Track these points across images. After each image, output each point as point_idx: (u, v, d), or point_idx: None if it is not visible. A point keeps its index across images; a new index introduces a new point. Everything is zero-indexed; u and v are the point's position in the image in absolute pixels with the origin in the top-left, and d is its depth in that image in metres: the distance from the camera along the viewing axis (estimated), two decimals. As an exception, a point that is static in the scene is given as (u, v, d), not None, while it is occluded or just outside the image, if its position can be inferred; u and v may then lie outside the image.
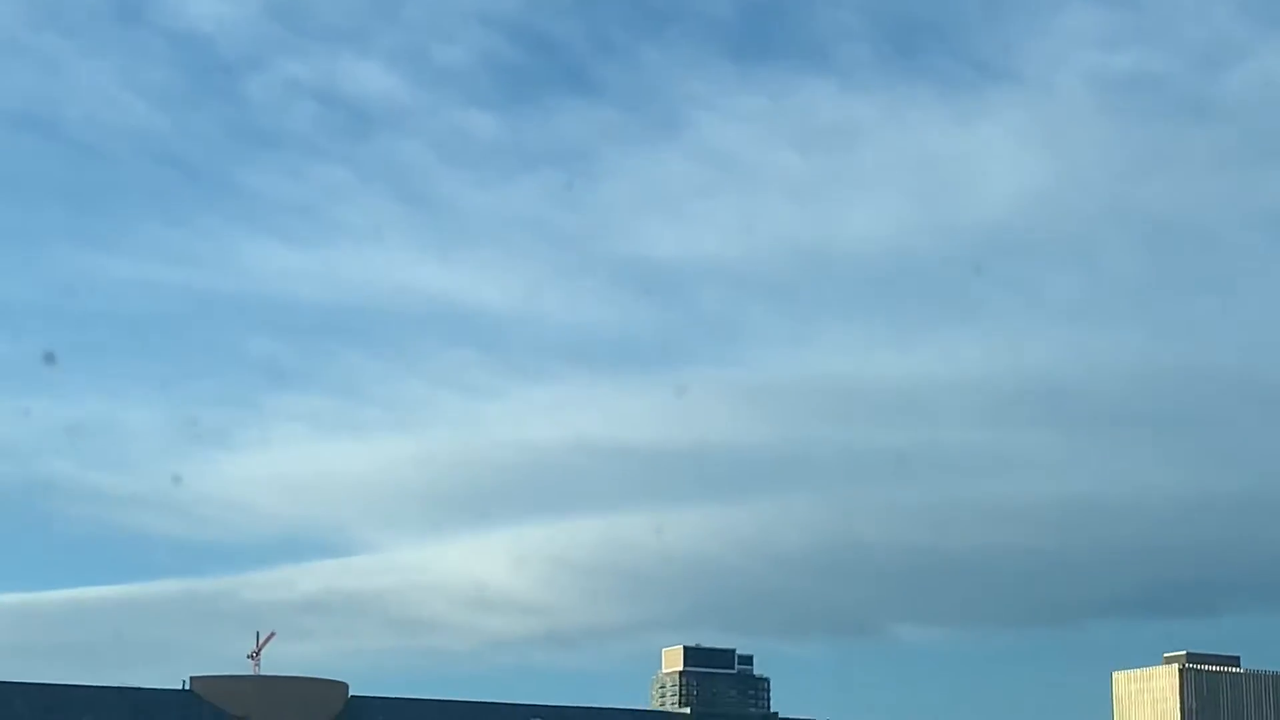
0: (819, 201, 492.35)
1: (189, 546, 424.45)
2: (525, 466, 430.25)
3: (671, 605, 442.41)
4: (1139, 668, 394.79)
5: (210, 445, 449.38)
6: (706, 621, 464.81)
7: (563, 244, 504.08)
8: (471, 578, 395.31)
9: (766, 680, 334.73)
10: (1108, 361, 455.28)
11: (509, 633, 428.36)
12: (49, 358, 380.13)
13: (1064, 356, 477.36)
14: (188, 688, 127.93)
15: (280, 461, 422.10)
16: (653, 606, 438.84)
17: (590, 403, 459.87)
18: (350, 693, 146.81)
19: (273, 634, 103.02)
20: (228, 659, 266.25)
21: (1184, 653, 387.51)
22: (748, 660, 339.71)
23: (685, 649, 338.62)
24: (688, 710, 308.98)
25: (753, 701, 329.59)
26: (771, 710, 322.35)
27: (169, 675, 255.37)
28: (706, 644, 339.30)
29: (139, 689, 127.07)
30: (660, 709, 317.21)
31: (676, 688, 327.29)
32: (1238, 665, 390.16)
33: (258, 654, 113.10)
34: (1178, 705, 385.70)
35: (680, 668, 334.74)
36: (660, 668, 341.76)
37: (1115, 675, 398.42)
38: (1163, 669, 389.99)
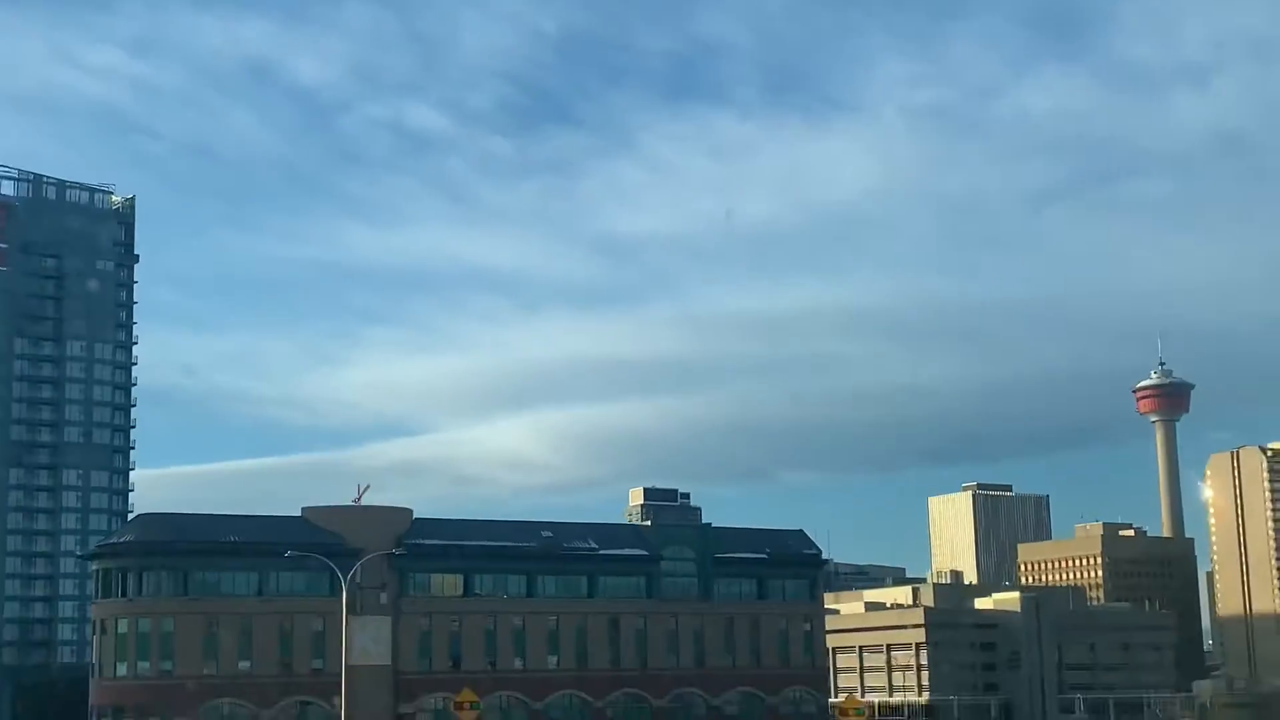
0: (726, 193, 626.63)
1: (314, 432, 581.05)
2: (538, 374, 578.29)
3: (635, 462, 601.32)
4: (945, 494, 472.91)
5: (326, 364, 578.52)
6: (659, 472, 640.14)
7: (556, 225, 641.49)
8: (503, 448, 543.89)
9: (699, 509, 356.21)
10: (918, 295, 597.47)
11: (528, 484, 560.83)
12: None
13: (892, 293, 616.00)
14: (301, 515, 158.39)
15: (373, 374, 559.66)
16: (623, 463, 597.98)
17: (578, 331, 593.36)
18: (414, 516, 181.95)
19: (368, 486, 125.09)
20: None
21: (975, 484, 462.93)
22: (686, 496, 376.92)
23: (645, 489, 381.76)
24: (649, 523, 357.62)
25: (690, 522, 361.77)
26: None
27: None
28: (659, 486, 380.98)
29: (269, 516, 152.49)
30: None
31: (639, 516, 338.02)
32: (1010, 491, 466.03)
33: (358, 500, 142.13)
34: (971, 519, 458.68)
35: (642, 502, 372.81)
36: (628, 503, 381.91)
37: (930, 500, 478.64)
38: (961, 495, 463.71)
